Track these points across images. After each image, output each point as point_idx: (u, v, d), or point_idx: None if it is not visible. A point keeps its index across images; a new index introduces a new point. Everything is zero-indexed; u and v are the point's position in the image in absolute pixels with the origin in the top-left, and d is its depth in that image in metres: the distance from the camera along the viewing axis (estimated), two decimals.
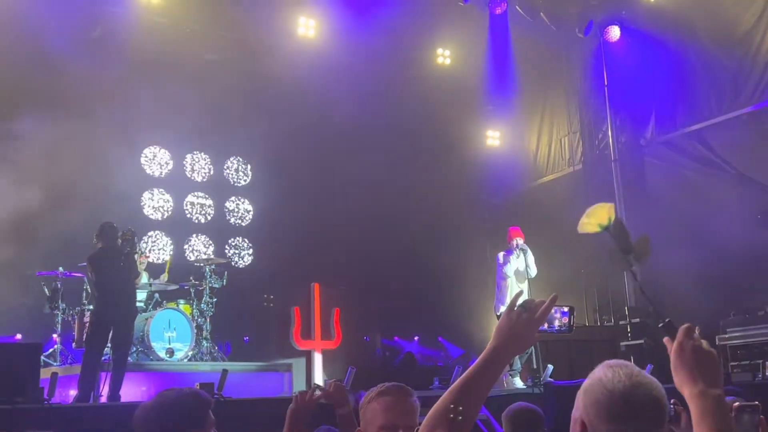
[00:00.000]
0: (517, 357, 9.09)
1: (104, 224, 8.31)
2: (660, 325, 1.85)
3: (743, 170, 11.86)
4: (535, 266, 9.99)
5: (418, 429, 1.88)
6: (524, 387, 9.41)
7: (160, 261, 12.29)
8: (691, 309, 10.89)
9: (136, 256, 8.49)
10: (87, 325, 8.85)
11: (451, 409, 1.79)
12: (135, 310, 8.66)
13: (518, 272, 9.98)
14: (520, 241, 9.99)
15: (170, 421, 2.46)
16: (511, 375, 9.73)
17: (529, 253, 9.96)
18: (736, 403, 2.12)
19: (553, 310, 1.95)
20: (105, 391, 7.89)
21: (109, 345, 8.20)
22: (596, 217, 1.99)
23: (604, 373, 1.81)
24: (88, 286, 9.24)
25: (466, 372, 1.86)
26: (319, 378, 10.32)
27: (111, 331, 8.09)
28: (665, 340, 1.84)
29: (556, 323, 2.00)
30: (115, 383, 7.79)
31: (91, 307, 9.04)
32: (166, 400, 2.53)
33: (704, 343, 1.79)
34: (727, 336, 10.06)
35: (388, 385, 2.66)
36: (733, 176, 11.99)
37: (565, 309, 2.01)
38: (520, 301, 1.92)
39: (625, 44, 13.53)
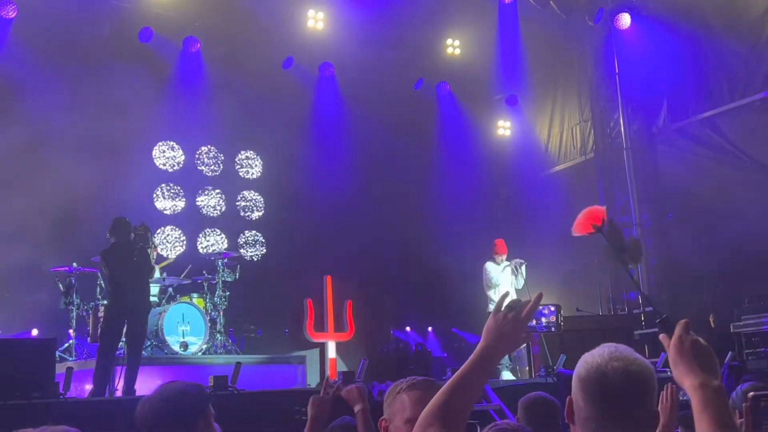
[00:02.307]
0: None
1: (117, 219, 8.32)
2: (657, 321, 1.89)
3: (757, 157, 11.76)
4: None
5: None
6: (515, 379, 9.39)
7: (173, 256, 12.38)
8: (705, 296, 10.86)
9: (149, 251, 8.51)
10: (101, 319, 8.90)
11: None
12: (148, 304, 8.69)
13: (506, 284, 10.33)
14: (504, 257, 10.57)
15: (170, 413, 2.50)
16: (500, 368, 9.77)
17: (523, 269, 10.38)
18: (751, 393, 2.10)
19: (540, 308, 1.98)
20: (120, 385, 7.95)
21: (123, 339, 8.25)
22: (590, 219, 2.01)
23: (591, 352, 1.88)
24: (102, 282, 9.29)
25: (458, 371, 1.89)
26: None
27: (125, 326, 8.14)
28: (661, 336, 1.88)
29: (544, 321, 2.04)
30: (130, 377, 7.83)
31: (105, 302, 9.09)
32: (165, 393, 2.57)
33: (700, 339, 1.85)
34: (741, 323, 10.00)
35: (418, 379, 2.67)
36: (746, 163, 11.89)
37: (552, 307, 2.04)
38: (506, 301, 1.96)
39: (635, 31, 13.41)
